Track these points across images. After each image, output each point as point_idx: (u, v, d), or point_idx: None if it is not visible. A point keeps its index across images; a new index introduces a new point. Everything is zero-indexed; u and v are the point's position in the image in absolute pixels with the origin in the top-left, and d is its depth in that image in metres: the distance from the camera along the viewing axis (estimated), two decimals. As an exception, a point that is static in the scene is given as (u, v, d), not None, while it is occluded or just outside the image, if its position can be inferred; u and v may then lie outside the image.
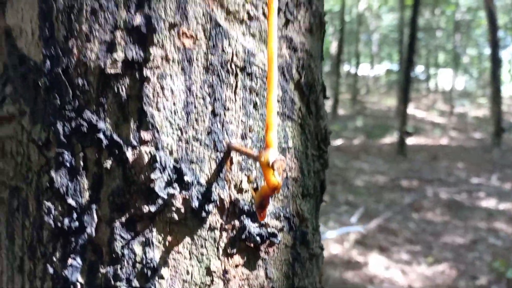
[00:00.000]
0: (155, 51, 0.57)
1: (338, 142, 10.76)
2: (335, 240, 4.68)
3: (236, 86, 0.61)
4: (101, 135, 0.57)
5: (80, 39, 0.58)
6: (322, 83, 0.77)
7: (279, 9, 0.63)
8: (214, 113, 0.59)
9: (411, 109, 14.12)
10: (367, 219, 5.34)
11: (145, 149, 0.57)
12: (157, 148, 0.57)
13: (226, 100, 0.60)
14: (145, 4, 0.57)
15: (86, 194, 0.58)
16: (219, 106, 0.59)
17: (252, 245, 0.60)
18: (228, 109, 0.60)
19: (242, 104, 0.61)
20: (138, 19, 0.57)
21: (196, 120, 0.58)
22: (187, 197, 0.57)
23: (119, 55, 0.57)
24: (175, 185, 0.57)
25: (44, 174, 0.59)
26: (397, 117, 12.04)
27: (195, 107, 0.58)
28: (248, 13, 0.62)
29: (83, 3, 0.57)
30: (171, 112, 0.58)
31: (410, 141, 10.61)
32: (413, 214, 5.81)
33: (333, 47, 15.67)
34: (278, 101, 0.64)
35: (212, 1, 0.59)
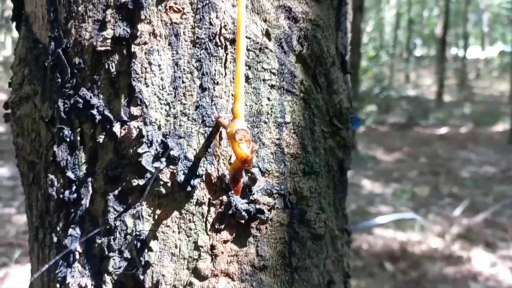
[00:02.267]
0: (142, 27, 0.58)
1: (442, 130, 10.09)
2: (436, 233, 4.40)
3: (226, 60, 0.59)
4: (94, 111, 0.59)
5: (77, 20, 0.60)
6: (340, 54, 0.72)
7: (272, -23, 0.60)
8: (202, 88, 0.58)
9: (527, 94, 12.75)
10: (472, 213, 4.94)
11: (134, 124, 0.58)
12: (145, 123, 0.58)
13: (215, 74, 0.59)
14: None
15: (84, 168, 0.60)
16: (207, 80, 0.59)
17: (243, 221, 0.58)
18: (217, 83, 0.59)
19: (233, 77, 0.59)
20: None
21: (184, 94, 0.58)
22: (174, 171, 0.57)
23: (108, 32, 0.58)
24: (162, 159, 0.57)
25: (50, 149, 0.63)
26: (511, 103, 10.97)
27: (183, 82, 0.58)
28: (239, -17, 0.60)
29: None
30: (159, 87, 0.58)
31: (525, 128, 9.59)
32: (527, 208, 5.26)
33: (438, 29, 14.67)
34: (275, 74, 0.62)
35: (196, -27, 0.58)
